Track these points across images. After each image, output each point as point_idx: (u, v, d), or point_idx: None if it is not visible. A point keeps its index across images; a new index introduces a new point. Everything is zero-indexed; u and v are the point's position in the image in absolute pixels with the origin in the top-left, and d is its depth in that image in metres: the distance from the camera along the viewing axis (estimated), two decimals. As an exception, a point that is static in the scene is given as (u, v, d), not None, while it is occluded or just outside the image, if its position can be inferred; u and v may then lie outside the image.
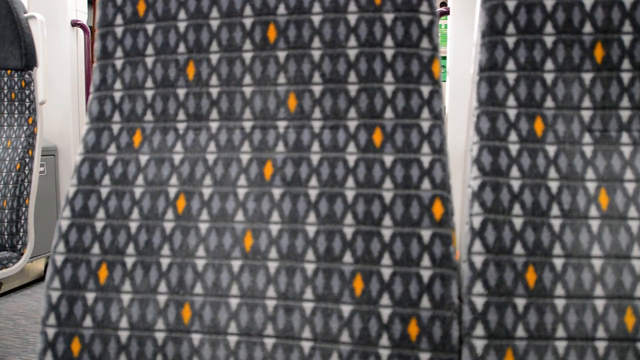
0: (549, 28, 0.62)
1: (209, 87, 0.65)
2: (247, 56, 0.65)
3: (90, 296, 0.62)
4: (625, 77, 0.61)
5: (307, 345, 0.58)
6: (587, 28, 0.62)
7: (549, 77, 0.62)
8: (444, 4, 3.06)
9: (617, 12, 0.62)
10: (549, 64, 0.62)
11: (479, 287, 0.57)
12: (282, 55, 0.64)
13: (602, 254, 0.58)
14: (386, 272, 0.58)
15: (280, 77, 0.64)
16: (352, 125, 0.62)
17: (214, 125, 0.65)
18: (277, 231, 0.61)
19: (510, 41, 0.62)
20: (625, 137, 0.61)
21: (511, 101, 0.62)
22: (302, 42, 0.64)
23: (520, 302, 0.57)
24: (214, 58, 0.66)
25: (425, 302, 0.57)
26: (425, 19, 0.63)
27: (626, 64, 0.61)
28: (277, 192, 0.62)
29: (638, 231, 0.58)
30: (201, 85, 0.66)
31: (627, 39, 0.61)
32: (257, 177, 0.63)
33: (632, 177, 0.59)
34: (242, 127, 0.64)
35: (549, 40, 0.62)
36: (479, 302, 0.57)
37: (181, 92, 0.66)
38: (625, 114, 0.61)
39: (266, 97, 0.64)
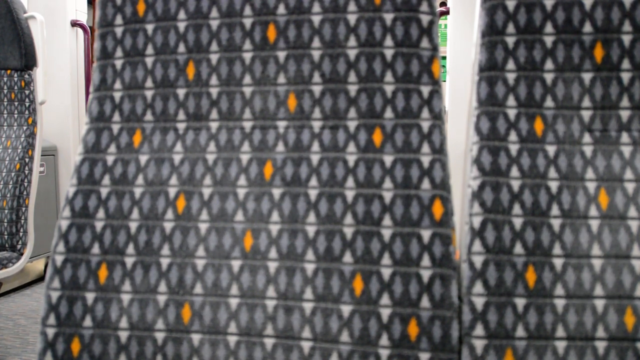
0: (548, 28, 0.62)
1: (209, 87, 0.65)
2: (247, 56, 0.65)
3: (90, 296, 0.62)
4: (625, 76, 0.61)
5: (307, 345, 0.58)
6: (587, 28, 0.62)
7: (548, 77, 0.62)
8: (443, 4, 3.06)
9: (616, 12, 0.62)
10: (549, 64, 0.62)
11: (478, 287, 0.57)
12: (282, 55, 0.64)
13: (602, 254, 0.58)
14: (386, 272, 0.58)
15: (280, 77, 0.64)
16: (352, 125, 0.62)
17: (213, 125, 0.65)
18: (277, 231, 0.61)
19: (510, 41, 0.62)
20: (625, 137, 0.61)
21: (511, 101, 0.62)
22: (302, 42, 0.64)
23: (520, 302, 0.57)
24: (214, 58, 0.66)
25: (425, 302, 0.57)
26: (425, 19, 0.63)
27: (626, 64, 0.61)
28: (277, 192, 0.62)
29: (638, 231, 0.58)
30: (201, 85, 0.66)
31: (627, 39, 0.61)
32: (257, 177, 0.63)
33: (632, 177, 0.59)
34: (242, 127, 0.64)
35: (548, 40, 0.62)
36: (479, 302, 0.57)
37: (181, 92, 0.66)
38: (625, 114, 0.61)
39: (266, 97, 0.64)
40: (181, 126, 0.66)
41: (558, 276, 0.57)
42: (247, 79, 0.65)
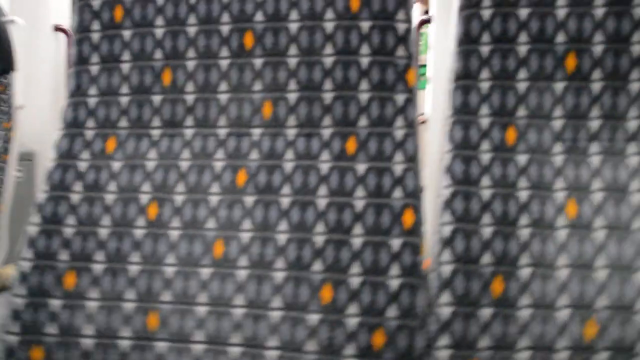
0: (523, 37, 0.63)
1: (185, 94, 0.65)
2: (224, 63, 0.65)
3: (56, 303, 0.61)
4: (596, 87, 0.62)
5: (273, 354, 0.57)
6: (560, 38, 0.63)
7: (521, 87, 0.63)
8: (427, 12, 3.08)
9: (589, 22, 0.62)
10: (522, 73, 0.63)
11: (446, 297, 0.57)
12: (258, 62, 0.64)
13: (568, 264, 0.58)
14: (355, 281, 0.58)
15: (256, 84, 0.64)
16: (326, 133, 0.62)
17: (188, 132, 0.65)
18: (248, 239, 0.60)
19: (485, 50, 0.63)
20: (594, 147, 0.61)
21: (485, 110, 0.62)
22: (278, 50, 0.64)
23: (486, 312, 0.57)
24: (191, 65, 0.65)
25: (392, 311, 0.57)
26: (401, 27, 0.63)
27: (597, 74, 0.62)
28: (249, 200, 0.61)
29: (603, 241, 0.58)
30: (177, 92, 0.65)
31: (598, 49, 0.62)
32: (230, 184, 0.62)
33: (601, 187, 0.60)
34: (216, 135, 0.64)
35: (522, 50, 0.63)
36: (446, 312, 0.57)
37: (156, 98, 0.65)
38: (595, 124, 0.62)
39: (241, 105, 0.64)
40: (156, 133, 0.65)
41: (524, 286, 0.58)
42: (223, 86, 0.65)
